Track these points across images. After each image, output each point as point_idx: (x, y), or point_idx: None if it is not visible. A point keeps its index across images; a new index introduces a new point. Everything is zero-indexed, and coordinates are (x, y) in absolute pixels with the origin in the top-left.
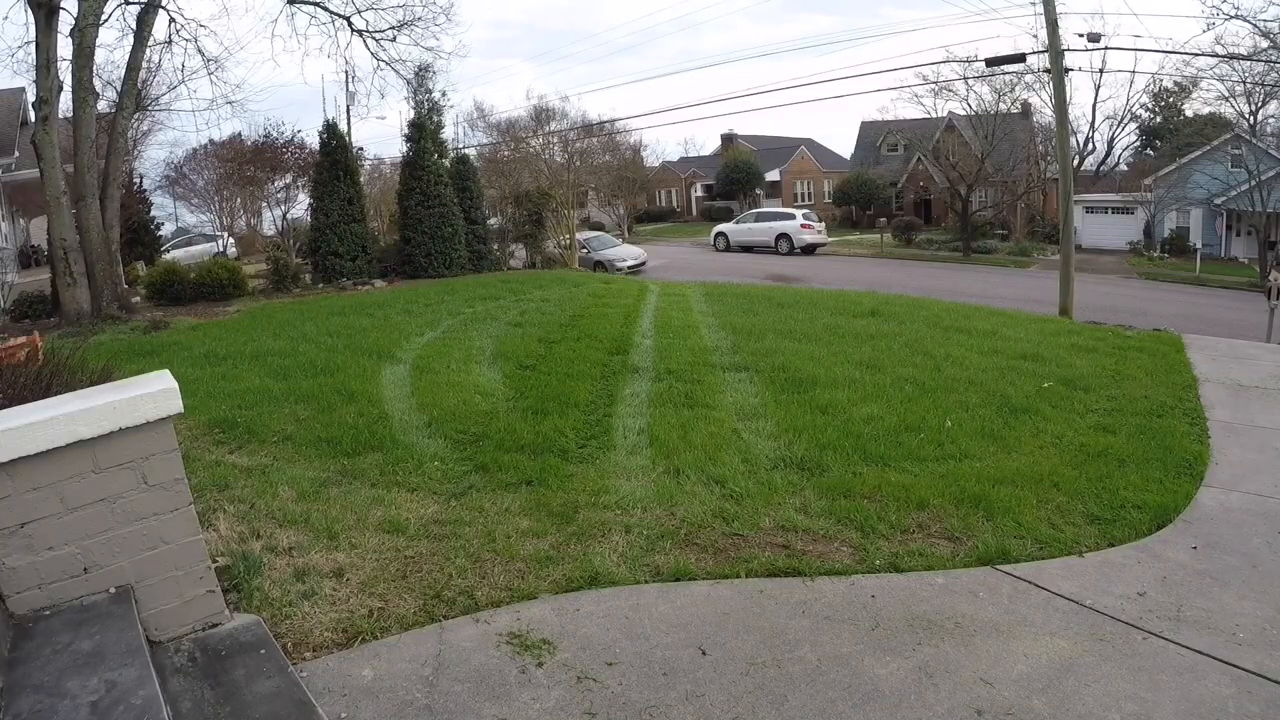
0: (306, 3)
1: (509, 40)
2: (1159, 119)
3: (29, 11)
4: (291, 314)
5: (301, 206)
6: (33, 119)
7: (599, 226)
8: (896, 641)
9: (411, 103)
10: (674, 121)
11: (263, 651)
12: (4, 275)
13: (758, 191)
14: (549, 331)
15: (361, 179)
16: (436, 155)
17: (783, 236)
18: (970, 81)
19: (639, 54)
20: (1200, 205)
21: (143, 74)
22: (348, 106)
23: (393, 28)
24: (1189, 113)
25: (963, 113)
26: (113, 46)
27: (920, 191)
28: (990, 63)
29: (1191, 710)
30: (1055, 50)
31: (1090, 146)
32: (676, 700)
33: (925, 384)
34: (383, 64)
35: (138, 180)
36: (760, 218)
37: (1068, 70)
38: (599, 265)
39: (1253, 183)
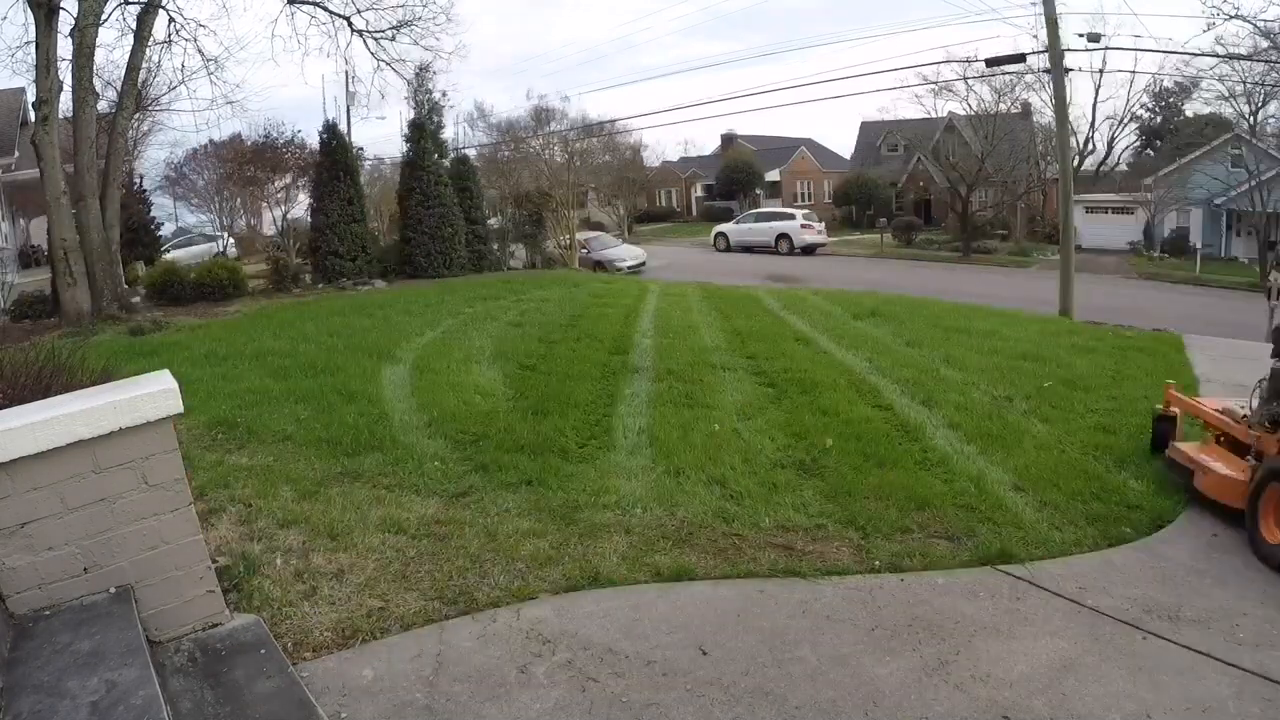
0: (306, 2)
1: (468, 59)
2: (1159, 119)
3: (29, 11)
4: (291, 314)
5: (301, 206)
6: (33, 119)
7: (599, 226)
8: (896, 641)
9: (411, 103)
10: (674, 122)
11: (263, 651)
12: (4, 275)
13: (758, 191)
14: (549, 331)
15: (361, 179)
16: (436, 155)
17: (783, 237)
18: (970, 81)
19: (598, 67)
20: (1200, 205)
21: (143, 74)
22: (348, 107)
23: (393, 28)
24: (1189, 113)
25: (963, 113)
26: (113, 46)
27: (920, 192)
28: (990, 63)
29: (1191, 710)
30: (1055, 50)
31: (1090, 147)
32: (676, 700)
33: (925, 384)
34: (383, 64)
35: (138, 180)
36: (760, 218)
37: (1068, 70)
38: (599, 265)
39: (1253, 183)
